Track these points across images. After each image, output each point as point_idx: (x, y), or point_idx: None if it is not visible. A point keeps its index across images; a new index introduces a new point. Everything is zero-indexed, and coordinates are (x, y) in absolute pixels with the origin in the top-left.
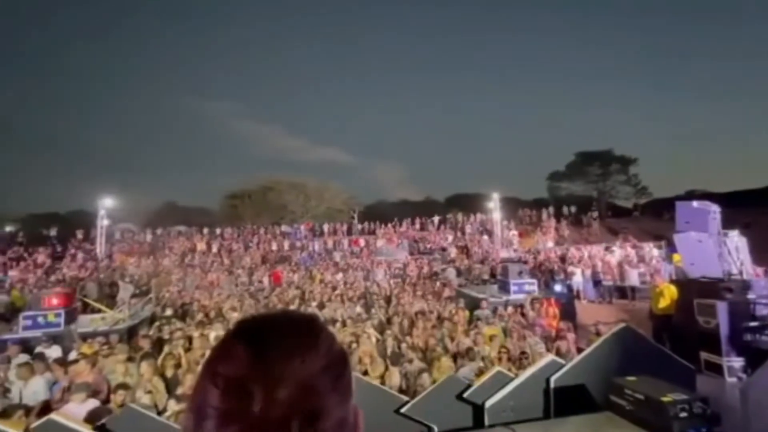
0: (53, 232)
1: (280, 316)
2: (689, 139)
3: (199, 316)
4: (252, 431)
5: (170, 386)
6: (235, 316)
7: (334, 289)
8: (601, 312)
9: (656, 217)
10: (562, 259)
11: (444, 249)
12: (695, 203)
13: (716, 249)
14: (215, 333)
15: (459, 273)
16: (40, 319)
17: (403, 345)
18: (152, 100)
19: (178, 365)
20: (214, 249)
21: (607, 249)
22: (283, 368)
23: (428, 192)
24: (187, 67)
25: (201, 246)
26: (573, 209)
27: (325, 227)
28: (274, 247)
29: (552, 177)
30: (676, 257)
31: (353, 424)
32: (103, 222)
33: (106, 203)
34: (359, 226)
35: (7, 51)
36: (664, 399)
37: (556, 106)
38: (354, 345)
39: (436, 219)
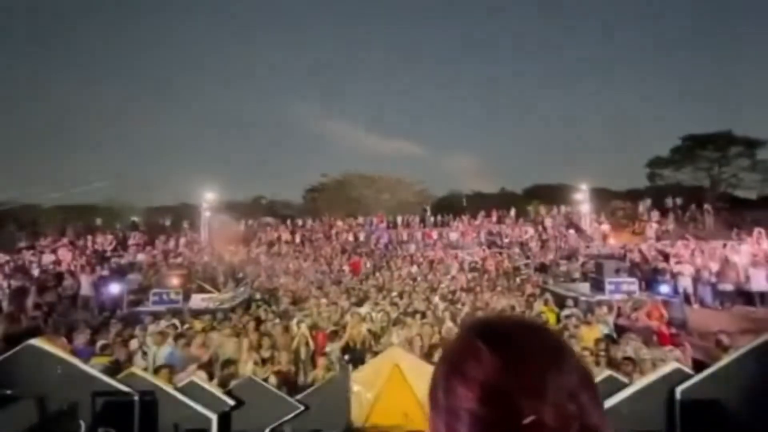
0: (167, 222)
1: (520, 322)
2: None
3: (287, 300)
4: None
5: (265, 362)
6: (324, 302)
7: (413, 280)
8: (718, 319)
9: None
10: (666, 256)
11: (523, 243)
12: None
13: None
14: (301, 320)
15: (542, 269)
16: (165, 296)
17: None
18: (243, 104)
19: (273, 345)
20: (297, 239)
21: (725, 246)
22: (543, 380)
23: (503, 183)
24: (274, 71)
25: (286, 236)
26: (679, 200)
27: (399, 219)
28: (351, 238)
29: (653, 164)
30: None
31: None
32: (205, 214)
33: (208, 197)
34: (432, 219)
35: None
36: None
37: (655, 84)
38: (436, 337)
39: (513, 212)
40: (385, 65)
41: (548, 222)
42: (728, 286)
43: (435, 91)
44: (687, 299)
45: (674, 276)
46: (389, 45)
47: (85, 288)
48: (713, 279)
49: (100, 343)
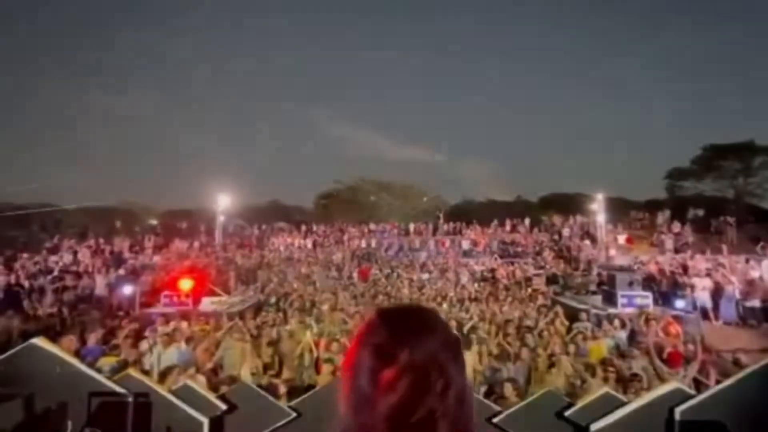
0: (184, 225)
1: (408, 307)
2: None
3: (297, 305)
4: (403, 372)
5: (269, 368)
6: (326, 308)
7: (420, 288)
8: (739, 337)
9: None
10: (684, 270)
11: (538, 253)
12: None
13: None
14: (309, 326)
15: (554, 280)
16: (175, 298)
17: (493, 351)
18: (260, 108)
19: (276, 351)
20: (309, 245)
21: (747, 261)
22: (415, 341)
23: (519, 191)
24: (291, 76)
25: (298, 241)
26: (700, 212)
27: (411, 227)
28: (363, 244)
29: (672, 175)
30: None
31: (470, 394)
32: (220, 218)
33: (223, 201)
34: (444, 227)
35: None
36: None
37: (675, 94)
38: None
39: (527, 221)
40: (400, 71)
41: (564, 232)
42: (754, 303)
43: (450, 98)
44: (705, 315)
45: (693, 290)
46: (405, 51)
47: (100, 288)
48: (736, 295)
49: (110, 343)
